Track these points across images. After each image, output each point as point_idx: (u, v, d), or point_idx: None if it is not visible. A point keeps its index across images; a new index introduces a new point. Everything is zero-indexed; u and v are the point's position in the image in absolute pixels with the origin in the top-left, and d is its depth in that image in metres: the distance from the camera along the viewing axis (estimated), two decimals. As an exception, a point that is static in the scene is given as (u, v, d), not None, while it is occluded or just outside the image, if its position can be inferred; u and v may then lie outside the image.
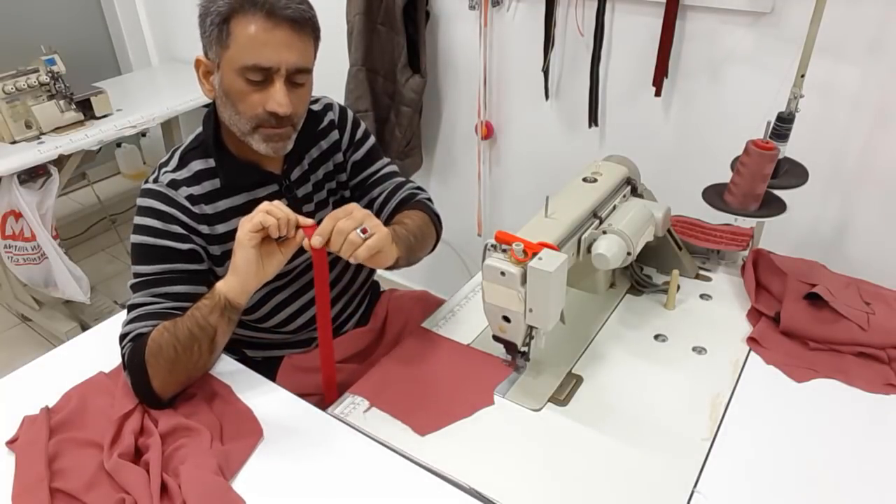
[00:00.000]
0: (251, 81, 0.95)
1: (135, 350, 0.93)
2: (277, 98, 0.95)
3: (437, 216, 1.22)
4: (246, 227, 0.91)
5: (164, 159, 1.07)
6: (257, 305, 1.14)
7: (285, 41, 0.94)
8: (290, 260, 1.13)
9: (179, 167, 1.05)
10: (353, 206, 0.94)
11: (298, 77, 0.97)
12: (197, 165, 1.05)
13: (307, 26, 0.96)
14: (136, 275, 1.00)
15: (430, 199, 1.24)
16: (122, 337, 0.97)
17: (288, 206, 1.10)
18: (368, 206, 1.22)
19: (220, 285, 0.94)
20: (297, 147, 1.07)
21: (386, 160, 1.25)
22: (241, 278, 0.93)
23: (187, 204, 1.02)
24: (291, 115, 0.99)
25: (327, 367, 1.04)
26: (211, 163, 1.05)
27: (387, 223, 1.18)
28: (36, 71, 2.04)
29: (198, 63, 1.00)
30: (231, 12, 0.92)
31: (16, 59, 2.07)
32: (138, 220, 1.01)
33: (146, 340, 0.93)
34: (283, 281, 1.15)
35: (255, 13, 0.92)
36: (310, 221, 0.94)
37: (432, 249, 1.20)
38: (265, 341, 1.22)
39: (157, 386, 0.93)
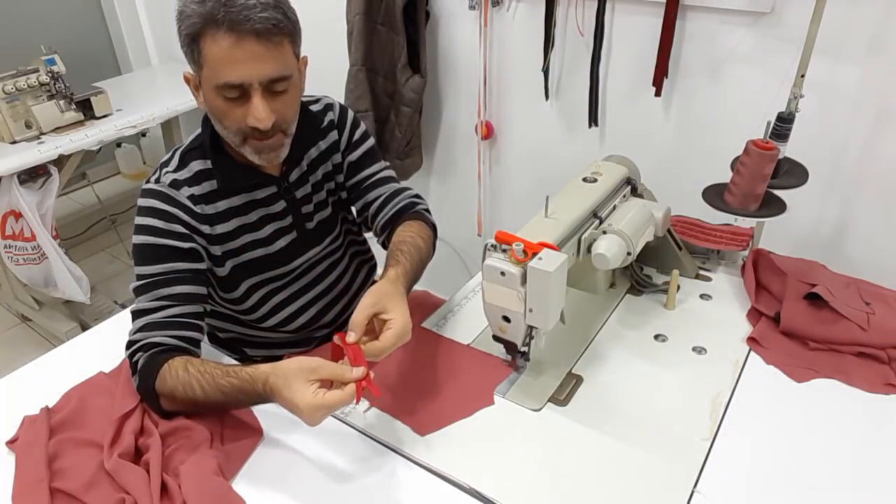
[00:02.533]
0: (229, 98, 0.94)
1: (148, 366, 0.92)
2: (256, 113, 0.94)
3: (435, 227, 1.21)
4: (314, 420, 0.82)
5: (164, 159, 1.07)
6: (257, 305, 1.14)
7: (254, 54, 0.91)
8: (289, 261, 1.14)
9: (180, 167, 1.05)
10: (400, 336, 0.88)
11: (277, 86, 0.95)
12: (197, 166, 1.05)
13: (275, 34, 0.92)
14: (139, 276, 0.99)
15: (427, 210, 1.21)
16: (131, 344, 0.96)
17: (286, 207, 1.11)
18: (364, 209, 1.21)
19: (272, 401, 0.87)
20: (296, 148, 1.07)
21: (384, 164, 1.23)
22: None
23: (189, 204, 1.02)
24: (278, 123, 0.97)
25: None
26: (209, 164, 1.05)
27: (384, 229, 1.17)
28: (36, 71, 2.05)
29: (186, 79, 1.00)
30: (197, 32, 0.90)
31: (16, 59, 2.08)
32: (140, 220, 1.01)
33: (159, 367, 0.91)
34: (282, 282, 1.15)
35: (218, 30, 0.89)
36: (361, 373, 0.84)
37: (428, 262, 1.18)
38: (266, 340, 1.22)
39: (166, 407, 0.93)
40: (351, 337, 0.87)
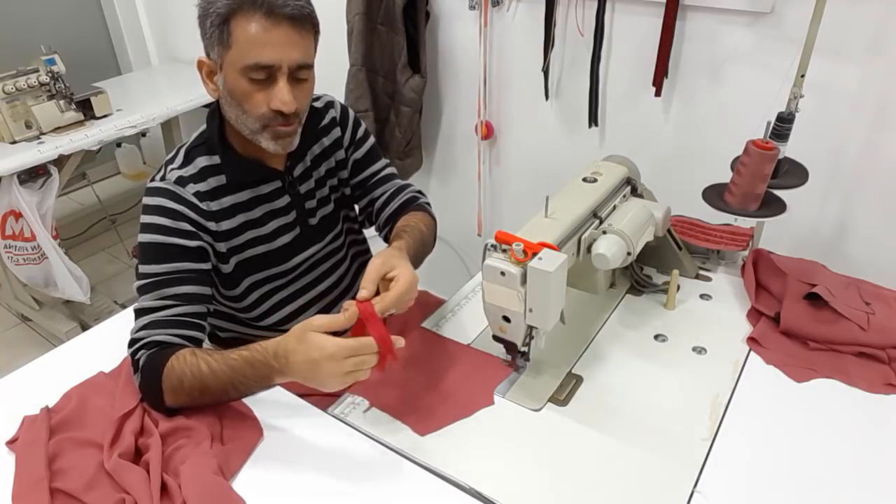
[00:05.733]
0: (255, 80, 0.96)
1: (152, 360, 0.93)
2: (281, 96, 0.96)
3: (435, 221, 1.25)
4: (337, 382, 0.85)
5: (169, 156, 1.07)
6: (257, 303, 1.14)
7: (286, 39, 0.94)
8: (290, 257, 1.14)
9: (185, 164, 1.05)
10: (407, 288, 0.91)
11: (301, 73, 0.98)
12: (202, 162, 1.05)
13: (307, 22, 0.96)
14: (144, 275, 0.99)
15: (428, 204, 1.26)
16: (133, 342, 0.96)
17: (290, 202, 1.12)
18: (369, 205, 1.24)
19: (278, 379, 0.91)
20: (300, 144, 1.07)
21: (385, 161, 1.27)
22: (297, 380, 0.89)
23: (195, 201, 1.02)
24: (297, 111, 0.99)
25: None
26: (215, 159, 1.05)
27: (387, 223, 1.21)
28: (36, 71, 2.04)
29: (200, 64, 1.01)
30: (230, 13, 0.92)
31: (16, 59, 2.07)
32: (146, 218, 1.01)
33: (167, 358, 0.92)
34: (283, 280, 1.15)
35: (255, 12, 0.92)
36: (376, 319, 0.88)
37: (430, 252, 1.21)
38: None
39: (170, 402, 0.93)
40: (363, 294, 0.88)
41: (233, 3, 0.92)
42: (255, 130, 1.00)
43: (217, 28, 0.94)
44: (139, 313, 0.98)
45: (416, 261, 1.08)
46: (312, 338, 0.84)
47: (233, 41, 0.94)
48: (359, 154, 1.21)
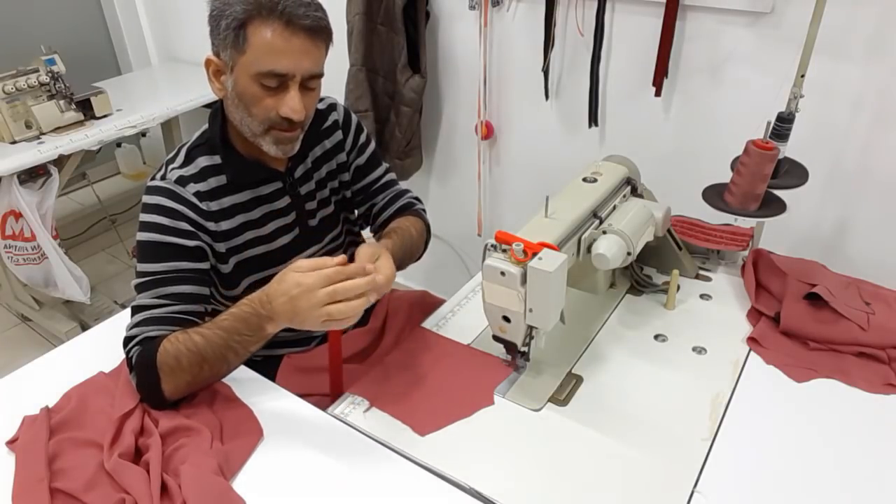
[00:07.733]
0: (266, 87, 0.96)
1: (144, 354, 0.92)
2: (293, 104, 0.96)
3: (429, 226, 1.27)
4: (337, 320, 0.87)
5: (170, 156, 1.07)
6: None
7: (302, 49, 0.94)
8: (289, 257, 1.15)
9: (186, 163, 1.05)
10: (386, 280, 0.93)
11: (311, 82, 0.99)
12: (203, 162, 1.05)
13: (323, 33, 0.97)
14: (142, 273, 0.99)
15: (424, 210, 1.29)
16: (128, 339, 0.96)
17: (290, 203, 1.12)
18: (369, 210, 1.26)
19: (270, 328, 0.91)
20: (302, 145, 1.08)
21: (385, 166, 1.28)
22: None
23: (195, 200, 1.02)
24: (303, 118, 1.00)
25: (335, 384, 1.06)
26: (216, 159, 1.05)
27: (384, 227, 1.22)
28: (36, 71, 2.04)
29: (208, 62, 1.00)
30: (248, 18, 0.92)
31: (16, 59, 2.07)
32: (145, 217, 1.01)
33: (159, 345, 0.92)
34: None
35: (274, 21, 0.92)
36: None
37: (419, 258, 1.24)
38: (265, 340, 1.22)
39: (169, 391, 0.92)
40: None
41: (252, 8, 0.92)
42: (258, 133, 1.00)
43: (232, 31, 0.93)
44: (135, 310, 0.98)
45: (401, 261, 1.10)
46: (291, 276, 0.87)
47: (248, 46, 0.93)
48: (361, 160, 1.22)
